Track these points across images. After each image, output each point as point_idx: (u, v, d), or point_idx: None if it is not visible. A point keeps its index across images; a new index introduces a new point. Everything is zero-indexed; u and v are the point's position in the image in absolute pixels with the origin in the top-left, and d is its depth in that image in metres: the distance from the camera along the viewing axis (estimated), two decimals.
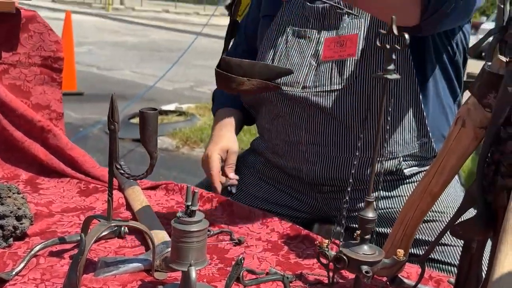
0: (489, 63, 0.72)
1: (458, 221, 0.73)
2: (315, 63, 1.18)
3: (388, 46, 0.60)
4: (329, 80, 1.15)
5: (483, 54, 0.96)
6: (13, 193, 0.99)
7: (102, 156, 4.21)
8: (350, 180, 0.82)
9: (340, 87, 1.14)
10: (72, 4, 23.00)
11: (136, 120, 5.12)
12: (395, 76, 0.61)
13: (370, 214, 0.68)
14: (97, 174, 1.24)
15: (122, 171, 0.83)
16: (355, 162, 1.08)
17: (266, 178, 1.33)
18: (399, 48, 0.59)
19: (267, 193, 1.32)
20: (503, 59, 0.69)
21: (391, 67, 0.61)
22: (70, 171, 1.24)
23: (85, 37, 11.76)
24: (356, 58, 1.12)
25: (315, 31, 1.20)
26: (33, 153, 1.26)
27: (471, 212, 0.84)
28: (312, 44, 1.19)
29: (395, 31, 0.59)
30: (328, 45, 1.16)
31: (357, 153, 1.10)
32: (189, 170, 4.07)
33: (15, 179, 1.25)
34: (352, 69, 1.13)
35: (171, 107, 5.75)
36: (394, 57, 0.60)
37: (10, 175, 1.26)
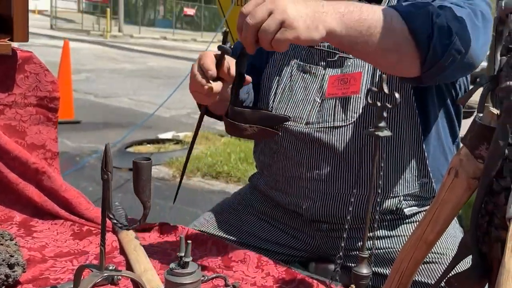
0: (480, 115, 0.72)
1: (453, 271, 0.73)
2: (319, 99, 1.19)
3: (379, 104, 0.61)
4: (332, 116, 1.16)
5: (477, 79, 0.97)
6: (6, 240, 0.98)
7: (98, 186, 4.18)
8: (348, 218, 0.82)
9: (343, 124, 1.15)
10: (71, 31, 23.23)
11: (133, 149, 5.13)
12: (386, 133, 0.61)
13: (364, 270, 0.68)
14: (91, 216, 1.23)
15: (115, 221, 0.83)
16: (352, 200, 1.08)
17: (263, 216, 1.32)
18: (390, 106, 0.59)
19: (264, 231, 1.31)
20: (495, 111, 0.70)
21: (382, 124, 0.61)
22: (64, 213, 1.23)
23: (83, 65, 11.84)
24: (359, 95, 1.14)
25: (320, 67, 1.21)
26: (27, 195, 1.25)
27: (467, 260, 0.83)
28: (317, 80, 1.20)
29: (386, 90, 0.59)
30: (332, 83, 1.17)
31: (354, 190, 1.10)
32: (185, 200, 4.05)
33: (9, 221, 1.24)
34: (356, 107, 1.14)
35: (168, 135, 5.76)
36: (385, 114, 0.60)
37: (4, 217, 1.25)
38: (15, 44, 1.36)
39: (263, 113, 0.99)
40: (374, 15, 0.92)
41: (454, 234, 1.21)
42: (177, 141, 5.41)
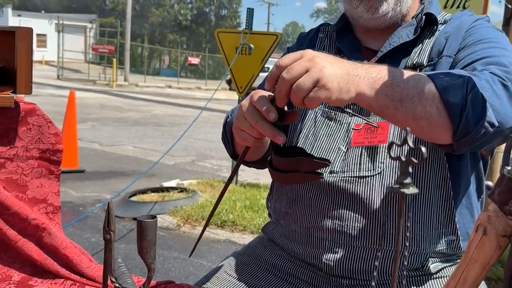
0: (508, 168, 0.68)
1: None
2: (344, 148, 1.15)
3: (403, 158, 0.56)
4: (358, 166, 1.12)
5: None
6: None
7: (101, 236, 4.11)
8: (374, 274, 0.76)
9: (369, 174, 1.10)
10: (77, 81, 23.62)
11: (137, 198, 5.06)
12: (412, 190, 0.56)
13: None
14: (93, 275, 1.17)
15: (118, 285, 0.77)
16: (378, 254, 1.04)
17: (277, 271, 1.25)
18: (416, 161, 0.55)
19: (278, 287, 1.23)
20: None
21: (408, 180, 0.56)
22: (64, 272, 1.17)
23: (89, 114, 11.96)
24: (386, 145, 1.10)
25: (345, 115, 1.18)
26: (27, 252, 1.19)
27: None
28: (342, 128, 1.17)
29: (410, 143, 0.55)
30: (358, 131, 1.14)
31: (379, 245, 1.05)
32: (190, 250, 3.96)
33: (7, 280, 1.18)
34: (383, 156, 1.10)
35: (172, 183, 5.70)
36: (410, 170, 0.56)
37: (2, 276, 1.19)
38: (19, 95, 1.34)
39: (305, 161, 0.98)
40: (408, 83, 0.91)
41: None
42: (181, 189, 5.35)
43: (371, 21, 1.19)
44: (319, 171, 1.00)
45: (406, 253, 1.06)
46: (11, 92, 1.27)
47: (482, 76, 0.96)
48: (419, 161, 0.55)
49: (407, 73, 0.93)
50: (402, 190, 0.56)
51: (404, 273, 0.81)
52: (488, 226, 0.69)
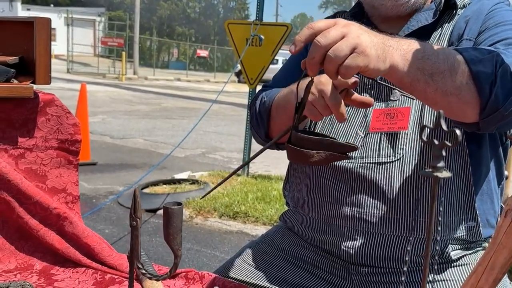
0: None
1: None
2: (362, 133, 1.13)
3: (436, 142, 0.56)
4: (377, 152, 1.10)
5: None
6: None
7: (115, 228, 4.14)
8: (406, 259, 0.75)
9: (389, 160, 1.09)
10: (87, 75, 23.70)
11: (149, 190, 5.08)
12: (446, 174, 0.55)
13: None
14: (115, 263, 1.18)
15: (144, 271, 0.78)
16: (400, 241, 1.03)
17: (295, 260, 1.25)
18: (449, 144, 0.54)
19: (295, 276, 1.23)
20: None
21: (441, 164, 0.56)
22: (86, 261, 1.18)
23: (99, 107, 12.00)
24: (407, 131, 1.09)
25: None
26: (48, 241, 1.21)
27: None
28: (360, 113, 1.15)
29: (444, 127, 0.54)
30: (377, 116, 1.12)
31: (399, 232, 1.06)
32: (203, 241, 3.98)
33: (29, 270, 1.19)
34: (403, 142, 1.09)
35: (184, 175, 5.72)
36: (444, 153, 0.55)
37: (23, 265, 1.20)
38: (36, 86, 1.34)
39: (329, 142, 0.94)
40: (438, 56, 0.89)
41: (502, 285, 1.14)
42: (193, 181, 5.36)
43: (394, 8, 1.18)
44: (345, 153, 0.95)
45: (438, 238, 1.06)
46: (30, 83, 1.28)
47: (509, 53, 0.94)
48: (453, 144, 0.54)
49: (437, 47, 0.92)
50: (435, 174, 0.56)
51: (436, 257, 0.81)
52: None
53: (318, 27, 0.83)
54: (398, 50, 0.87)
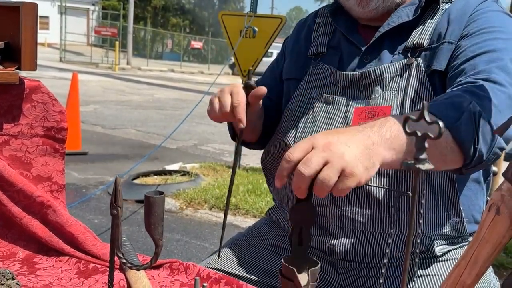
0: None
1: None
2: None
3: (419, 133, 0.55)
4: None
5: None
6: (7, 279, 0.92)
7: (104, 218, 4.12)
8: (387, 251, 0.75)
9: None
10: (80, 64, 23.54)
11: (139, 181, 5.07)
12: (428, 166, 0.55)
13: None
14: (98, 252, 1.16)
15: (125, 260, 0.77)
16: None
17: (281, 252, 1.25)
18: (433, 136, 0.53)
19: None
20: None
21: (423, 156, 0.55)
22: (69, 250, 1.17)
23: (91, 96, 11.92)
24: None
25: (344, 98, 1.15)
26: (31, 229, 1.19)
27: None
28: (341, 111, 1.14)
29: (428, 118, 0.54)
30: (359, 115, 1.11)
31: (382, 229, 1.05)
32: (193, 233, 3.97)
33: (12, 258, 1.17)
34: None
35: (175, 166, 5.70)
36: (426, 145, 0.55)
37: (6, 253, 1.19)
38: (23, 74, 1.32)
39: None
40: None
41: (487, 279, 1.14)
42: (184, 173, 5.35)
43: (363, 14, 1.18)
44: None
45: (420, 231, 1.06)
46: (15, 69, 1.26)
47: (492, 72, 0.96)
48: (436, 136, 0.54)
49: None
50: (417, 165, 0.55)
51: (417, 251, 0.81)
52: (501, 206, 0.68)
53: (296, 158, 0.80)
54: (383, 144, 0.84)
